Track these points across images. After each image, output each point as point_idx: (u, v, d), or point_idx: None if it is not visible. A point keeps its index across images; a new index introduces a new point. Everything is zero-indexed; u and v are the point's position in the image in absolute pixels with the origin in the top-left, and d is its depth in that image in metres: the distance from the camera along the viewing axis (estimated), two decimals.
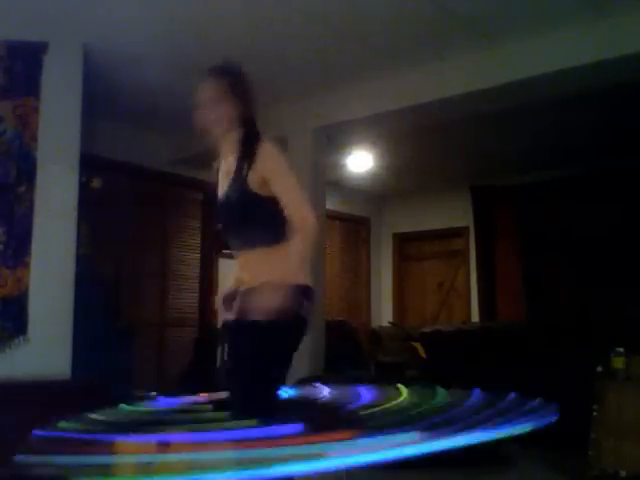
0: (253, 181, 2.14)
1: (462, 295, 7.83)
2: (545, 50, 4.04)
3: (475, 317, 7.51)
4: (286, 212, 2.11)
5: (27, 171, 3.88)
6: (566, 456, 4.12)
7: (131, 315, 5.44)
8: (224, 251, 6.56)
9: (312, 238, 2.12)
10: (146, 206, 6.15)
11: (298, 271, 2.09)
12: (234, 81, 2.27)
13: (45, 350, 3.83)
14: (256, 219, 2.18)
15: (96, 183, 5.12)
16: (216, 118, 2.25)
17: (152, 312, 6.09)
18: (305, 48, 4.32)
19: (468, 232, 7.74)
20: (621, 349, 3.63)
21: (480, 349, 5.17)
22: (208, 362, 6.16)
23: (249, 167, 2.15)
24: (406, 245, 8.51)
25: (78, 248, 4.12)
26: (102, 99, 4.79)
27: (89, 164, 4.51)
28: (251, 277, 2.19)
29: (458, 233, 7.87)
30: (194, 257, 6.53)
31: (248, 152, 2.17)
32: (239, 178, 2.17)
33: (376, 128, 5.41)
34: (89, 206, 4.63)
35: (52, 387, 3.68)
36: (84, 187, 4.38)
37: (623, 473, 3.45)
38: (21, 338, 3.78)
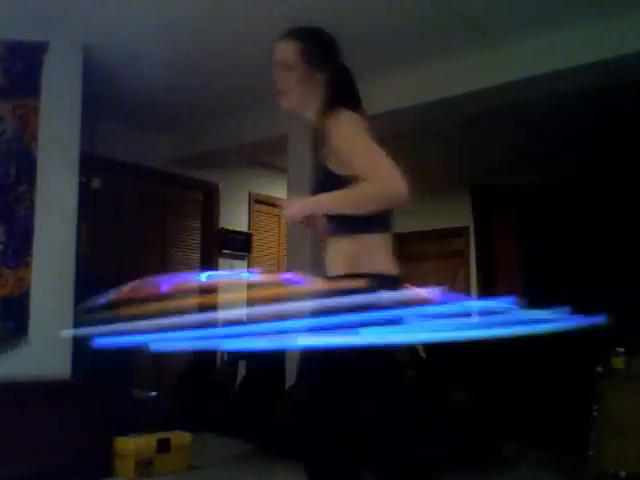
0: (330, 160, 1.81)
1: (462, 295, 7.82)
2: (545, 50, 4.04)
3: None
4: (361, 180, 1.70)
5: (27, 171, 3.88)
6: (566, 456, 4.12)
7: None
8: (224, 251, 6.58)
9: (391, 197, 1.72)
10: (146, 206, 6.15)
11: (346, 204, 1.74)
12: (309, 46, 1.95)
13: (45, 350, 3.82)
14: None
15: (96, 183, 5.12)
16: (286, 85, 1.92)
17: None
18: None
19: (468, 232, 7.73)
20: (621, 349, 3.64)
21: (480, 349, 5.17)
22: (208, 362, 6.17)
23: (322, 144, 1.83)
24: (406, 245, 8.51)
25: (78, 248, 4.12)
26: (102, 99, 4.79)
27: (89, 164, 4.51)
28: (329, 266, 1.85)
29: (458, 233, 7.86)
30: (194, 257, 6.52)
31: (322, 126, 1.84)
32: (320, 154, 1.85)
33: (376, 128, 5.41)
34: (89, 206, 4.64)
35: (52, 387, 3.69)
36: (84, 187, 4.38)
37: (623, 473, 3.45)
38: (22, 338, 3.78)
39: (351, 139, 1.79)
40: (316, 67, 1.93)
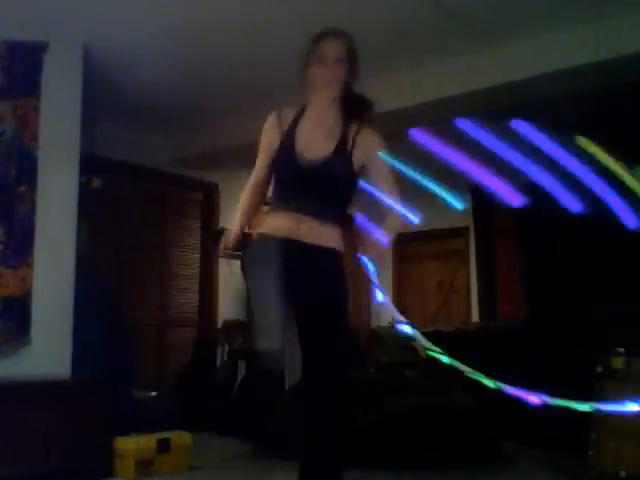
0: (354, 162, 2.20)
1: (462, 295, 7.82)
2: (545, 50, 4.04)
3: (475, 317, 7.50)
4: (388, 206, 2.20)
5: (27, 171, 3.88)
6: (566, 456, 4.12)
7: (131, 315, 5.43)
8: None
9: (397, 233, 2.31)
10: (146, 206, 6.15)
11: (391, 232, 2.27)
12: (355, 48, 2.30)
13: (45, 350, 3.82)
14: (344, 198, 2.24)
15: (96, 183, 5.12)
16: (338, 78, 2.24)
17: (152, 312, 6.08)
18: (304, 48, 4.31)
19: (468, 232, 7.73)
20: (621, 349, 3.64)
21: (480, 349, 5.17)
22: (208, 362, 6.17)
23: (353, 145, 2.21)
24: (406, 245, 8.51)
25: (78, 248, 4.12)
26: (102, 99, 4.79)
27: (89, 164, 4.51)
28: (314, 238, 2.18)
29: (458, 233, 7.86)
30: (194, 257, 6.52)
31: (352, 123, 2.24)
32: (346, 152, 2.20)
33: (376, 128, 5.41)
34: (89, 206, 4.63)
35: (52, 387, 3.69)
36: (84, 187, 4.38)
37: (623, 473, 3.45)
38: (24, 338, 3.78)
39: (385, 168, 2.19)
40: (355, 66, 2.28)
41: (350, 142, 2.21)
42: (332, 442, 2.06)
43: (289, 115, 2.29)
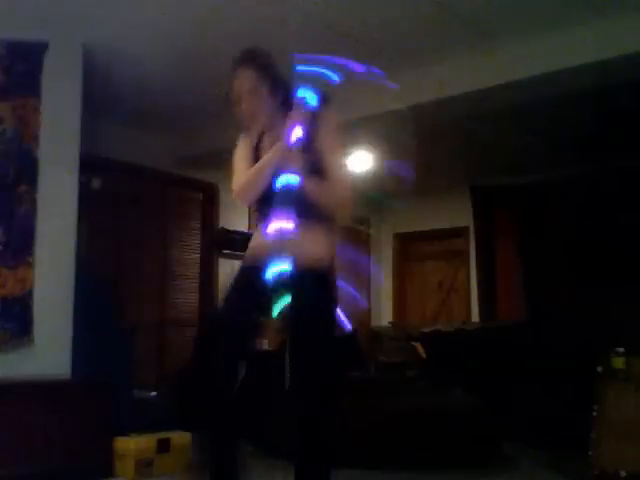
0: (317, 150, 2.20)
1: (462, 295, 7.82)
2: (545, 50, 4.04)
3: (475, 317, 7.50)
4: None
5: (27, 171, 3.87)
6: (566, 456, 4.12)
7: (131, 315, 5.43)
8: (224, 251, 6.57)
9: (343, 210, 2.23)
10: (146, 206, 6.15)
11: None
12: (266, 65, 2.33)
13: (46, 350, 3.82)
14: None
15: (96, 183, 5.12)
16: (257, 109, 2.26)
17: (152, 312, 6.08)
18: (304, 48, 4.31)
19: (468, 232, 7.73)
20: (621, 349, 3.63)
21: (480, 349, 5.17)
22: (208, 362, 6.16)
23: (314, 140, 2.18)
24: (406, 245, 8.51)
25: (78, 248, 4.12)
26: (102, 99, 4.79)
27: (89, 164, 4.51)
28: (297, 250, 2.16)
29: (458, 233, 7.86)
30: (194, 257, 6.52)
31: (310, 127, 2.19)
32: (312, 152, 2.18)
33: (376, 128, 5.40)
34: (89, 206, 4.63)
35: (52, 387, 3.68)
36: (84, 187, 4.38)
37: (623, 473, 3.45)
38: (25, 339, 3.77)
39: (335, 148, 2.22)
40: (275, 83, 2.31)
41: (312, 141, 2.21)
42: (317, 445, 2.12)
43: (254, 138, 2.36)
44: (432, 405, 4.38)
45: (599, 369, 3.65)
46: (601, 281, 6.11)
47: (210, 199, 6.60)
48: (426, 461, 3.94)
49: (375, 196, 7.11)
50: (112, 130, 5.55)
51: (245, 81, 2.26)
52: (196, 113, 5.50)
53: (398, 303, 8.42)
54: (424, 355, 6.17)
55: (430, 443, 4.04)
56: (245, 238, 2.49)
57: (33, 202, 3.87)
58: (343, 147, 2.25)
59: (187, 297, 6.43)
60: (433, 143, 6.20)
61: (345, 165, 2.29)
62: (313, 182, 2.15)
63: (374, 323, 8.17)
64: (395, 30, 4.07)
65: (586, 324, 5.09)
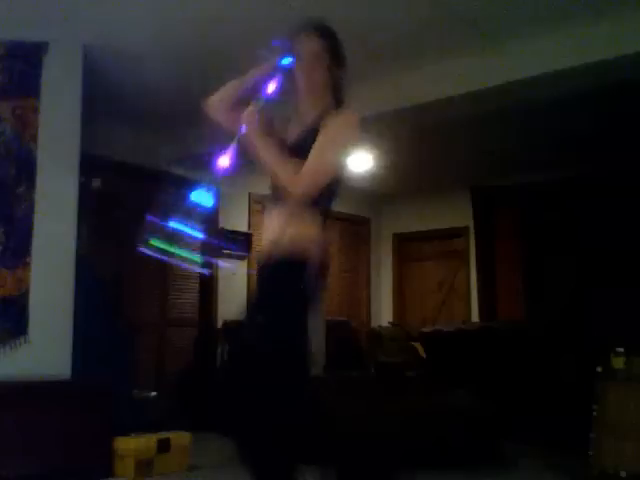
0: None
1: (462, 295, 7.82)
2: (545, 50, 4.04)
3: (475, 317, 7.51)
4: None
5: (27, 171, 3.88)
6: (566, 456, 4.12)
7: (131, 315, 5.43)
8: (224, 251, 6.57)
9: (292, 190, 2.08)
10: (146, 206, 6.14)
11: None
12: (336, 44, 2.26)
13: (45, 350, 3.82)
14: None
15: (96, 183, 5.12)
16: (315, 77, 2.22)
17: (152, 312, 6.08)
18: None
19: (468, 232, 7.74)
20: (621, 349, 3.63)
21: (480, 349, 5.17)
22: (208, 362, 6.17)
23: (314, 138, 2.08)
24: (406, 245, 8.51)
25: (78, 248, 4.12)
26: (102, 99, 4.78)
27: (89, 164, 4.51)
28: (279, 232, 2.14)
29: (458, 233, 7.87)
30: (194, 257, 6.51)
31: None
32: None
33: (376, 128, 5.41)
34: (89, 206, 4.63)
35: (52, 387, 3.69)
36: (84, 187, 4.38)
37: (623, 473, 3.45)
38: (22, 338, 3.78)
39: (325, 144, 2.09)
40: (338, 63, 2.25)
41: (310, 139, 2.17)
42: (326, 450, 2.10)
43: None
44: (432, 405, 4.38)
45: (599, 369, 3.65)
46: (601, 281, 6.12)
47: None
48: (426, 461, 3.93)
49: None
50: (112, 130, 5.55)
51: (311, 44, 2.23)
52: (196, 113, 5.49)
53: (398, 303, 8.42)
54: (424, 355, 6.17)
55: (430, 443, 4.04)
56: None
57: (32, 202, 3.87)
58: (343, 147, 2.15)
59: (187, 297, 6.43)
60: (433, 143, 6.21)
61: (335, 163, 2.13)
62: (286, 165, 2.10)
63: (374, 323, 8.17)
64: (395, 30, 4.06)
65: (586, 324, 5.09)
